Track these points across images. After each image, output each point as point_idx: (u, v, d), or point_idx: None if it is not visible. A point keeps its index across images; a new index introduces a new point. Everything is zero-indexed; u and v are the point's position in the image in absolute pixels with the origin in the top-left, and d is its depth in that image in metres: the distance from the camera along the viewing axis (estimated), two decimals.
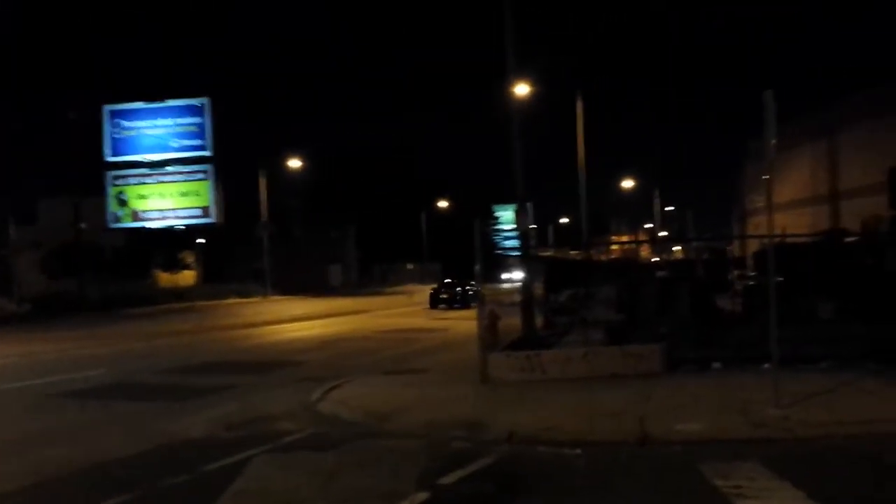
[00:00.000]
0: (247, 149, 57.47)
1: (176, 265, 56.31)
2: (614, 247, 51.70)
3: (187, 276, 57.50)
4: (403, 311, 36.83)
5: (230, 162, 51.84)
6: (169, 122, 49.61)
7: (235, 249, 59.21)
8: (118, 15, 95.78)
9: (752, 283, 17.42)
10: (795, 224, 27.06)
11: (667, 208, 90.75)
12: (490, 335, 14.32)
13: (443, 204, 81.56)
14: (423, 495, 6.75)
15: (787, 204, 32.12)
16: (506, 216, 79.00)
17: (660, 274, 20.17)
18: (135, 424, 10.40)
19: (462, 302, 36.14)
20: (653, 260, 32.04)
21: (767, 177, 10.09)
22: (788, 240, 17.36)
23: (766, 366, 9.67)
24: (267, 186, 54.09)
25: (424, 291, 56.96)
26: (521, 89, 23.55)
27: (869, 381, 10.43)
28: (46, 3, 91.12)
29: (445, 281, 41.82)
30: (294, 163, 56.75)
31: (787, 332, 10.98)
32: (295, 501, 6.83)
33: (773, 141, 9.00)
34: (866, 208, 23.21)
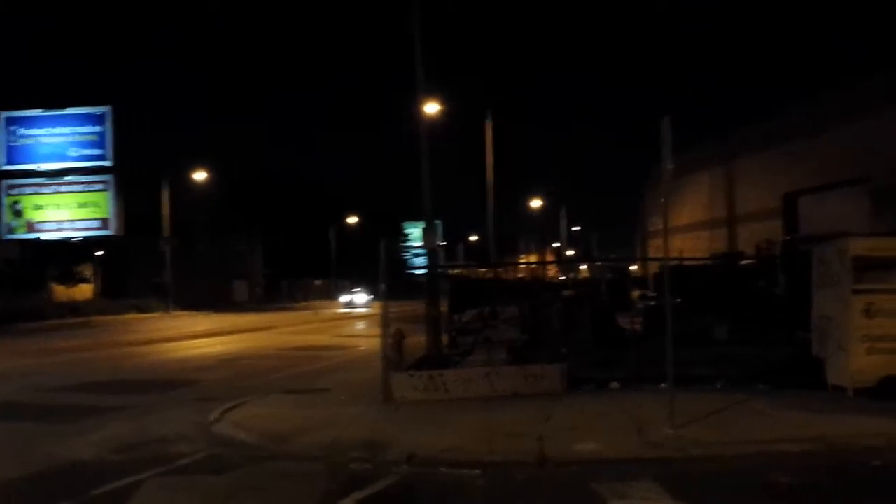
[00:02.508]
0: (151, 160, 55.86)
1: (73, 278, 54.08)
2: (523, 265, 52.19)
3: (85, 290, 55.32)
4: (309, 327, 36.34)
5: (133, 173, 50.20)
6: (68, 130, 47.73)
7: (136, 263, 57.37)
8: None
9: (652, 303, 17.85)
10: (694, 246, 28.02)
11: (573, 228, 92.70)
12: (396, 354, 14.22)
13: (352, 220, 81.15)
14: None
15: (686, 226, 33.24)
16: (416, 233, 78.92)
17: (565, 293, 20.43)
18: (17, 447, 9.83)
19: None
20: (559, 279, 32.52)
21: (663, 200, 10.36)
22: (686, 262, 17.90)
23: (663, 385, 9.88)
24: (171, 199, 52.62)
25: (332, 307, 56.28)
26: (431, 107, 23.71)
27: (758, 402, 10.79)
28: None
29: None
30: (200, 175, 55.50)
31: (683, 352, 11.29)
32: None
33: (670, 166, 9.24)
34: (761, 232, 24.17)
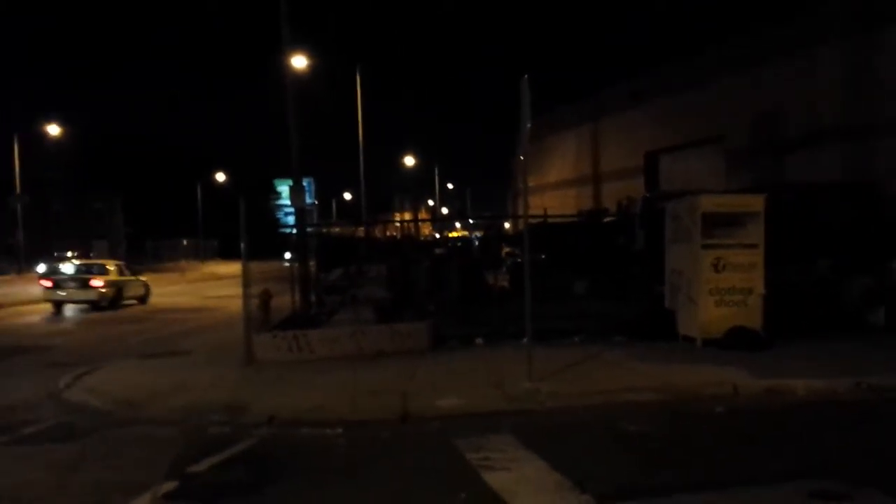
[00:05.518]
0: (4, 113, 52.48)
1: None
2: (396, 223, 52.17)
3: None
4: (174, 289, 35.24)
5: None
6: None
7: None
8: None
9: (519, 260, 18.20)
10: (563, 204, 28.68)
11: (449, 185, 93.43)
12: (263, 314, 13.94)
13: (220, 177, 78.63)
14: (170, 485, 6.43)
15: (555, 184, 33.97)
16: (287, 191, 77.09)
17: (438, 251, 20.61)
18: None
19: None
20: (435, 237, 32.69)
21: (522, 158, 10.50)
22: (552, 219, 18.28)
23: (524, 340, 10.08)
24: (22, 154, 49.46)
25: (199, 269, 54.50)
26: (299, 62, 23.16)
27: (613, 354, 11.21)
28: None
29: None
30: (53, 130, 52.28)
31: (545, 308, 11.59)
32: (29, 498, 6.28)
33: (528, 125, 9.33)
34: (625, 190, 24.91)
